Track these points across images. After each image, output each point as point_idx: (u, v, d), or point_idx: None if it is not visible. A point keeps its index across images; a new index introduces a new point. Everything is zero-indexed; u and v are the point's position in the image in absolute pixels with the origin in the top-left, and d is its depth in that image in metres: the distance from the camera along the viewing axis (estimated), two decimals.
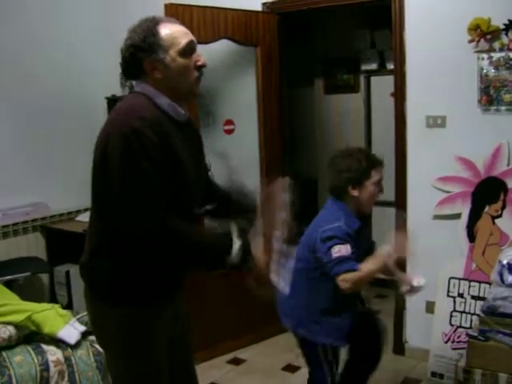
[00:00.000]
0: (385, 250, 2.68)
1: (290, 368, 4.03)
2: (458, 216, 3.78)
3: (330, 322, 2.86)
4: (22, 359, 3.00)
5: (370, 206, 2.91)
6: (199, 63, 2.12)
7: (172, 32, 2.07)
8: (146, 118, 1.97)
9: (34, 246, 4.86)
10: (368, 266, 2.68)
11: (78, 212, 5.06)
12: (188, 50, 2.08)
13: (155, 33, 2.05)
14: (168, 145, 2.00)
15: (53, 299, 4.79)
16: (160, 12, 3.62)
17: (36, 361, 3.01)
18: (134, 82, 2.21)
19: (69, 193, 4.95)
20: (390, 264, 2.66)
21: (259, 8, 4.41)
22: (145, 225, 1.93)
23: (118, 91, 4.99)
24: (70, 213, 5.07)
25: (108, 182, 1.97)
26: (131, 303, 2.13)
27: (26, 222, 4.80)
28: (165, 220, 1.95)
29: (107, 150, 1.96)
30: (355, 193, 2.80)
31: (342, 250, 2.67)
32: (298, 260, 2.81)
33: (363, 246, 2.86)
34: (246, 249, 2.05)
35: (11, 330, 3.09)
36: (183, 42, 2.07)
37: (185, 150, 2.10)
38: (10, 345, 3.07)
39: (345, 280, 2.64)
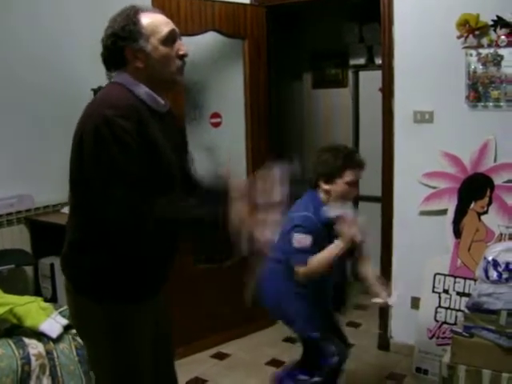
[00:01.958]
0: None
1: (274, 363, 4.01)
2: (444, 212, 3.78)
3: (303, 311, 2.90)
4: (2, 352, 2.96)
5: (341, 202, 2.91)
6: (181, 52, 2.11)
7: (153, 20, 2.07)
8: (119, 106, 1.95)
9: (18, 238, 4.81)
10: (313, 259, 2.74)
11: (63, 204, 5.00)
12: (170, 39, 2.07)
13: (136, 21, 2.04)
14: (145, 134, 1.98)
15: (37, 292, 4.75)
16: (147, 3, 3.58)
17: (17, 354, 2.98)
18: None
19: (54, 185, 4.89)
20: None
21: (247, 0, 4.39)
22: (121, 213, 1.91)
23: (104, 83, 4.90)
24: (55, 205, 5.02)
25: (83, 173, 1.96)
26: (114, 297, 2.11)
27: (10, 213, 4.75)
28: (140, 207, 1.92)
29: (82, 141, 1.96)
30: (326, 187, 2.83)
31: (302, 240, 2.72)
32: (275, 250, 2.85)
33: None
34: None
35: None
36: (165, 30, 2.06)
37: (164, 139, 2.08)
38: None
39: (300, 272, 2.76)
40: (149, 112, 2.06)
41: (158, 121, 2.08)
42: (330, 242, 2.78)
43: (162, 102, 2.14)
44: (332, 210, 2.77)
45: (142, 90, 2.07)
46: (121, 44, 2.04)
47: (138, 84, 2.07)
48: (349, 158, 2.84)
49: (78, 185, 2.04)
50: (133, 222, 1.93)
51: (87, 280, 2.11)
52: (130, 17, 2.04)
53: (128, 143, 1.92)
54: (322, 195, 2.87)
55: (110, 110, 1.93)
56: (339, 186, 2.81)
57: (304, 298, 2.88)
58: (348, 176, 2.81)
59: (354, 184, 2.85)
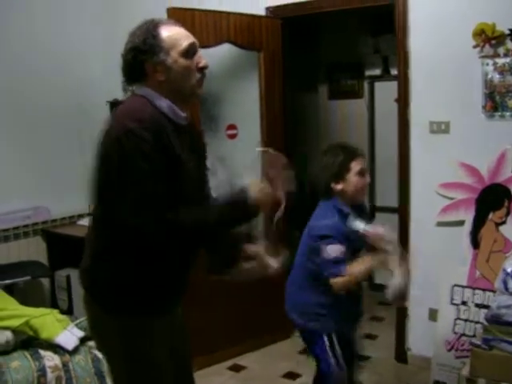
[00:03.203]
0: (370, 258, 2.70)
1: (291, 375, 3.99)
2: (461, 223, 3.74)
3: (334, 312, 2.84)
4: (19, 365, 2.97)
5: (361, 195, 2.89)
6: (201, 65, 2.11)
7: (173, 34, 2.07)
8: (143, 119, 1.96)
9: (34, 250, 4.84)
10: (355, 269, 2.68)
11: (80, 216, 5.05)
12: (190, 52, 2.08)
13: (155, 34, 2.05)
14: (166, 146, 1.98)
15: (53, 304, 4.77)
16: (162, 16, 3.60)
17: (33, 366, 2.99)
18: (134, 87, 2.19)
19: (70, 197, 4.94)
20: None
21: (262, 12, 4.39)
22: (143, 223, 1.91)
23: (119, 95, 4.92)
24: (71, 217, 5.05)
25: (106, 184, 1.97)
26: (132, 310, 2.11)
27: (26, 225, 4.79)
28: (162, 217, 1.93)
29: (105, 153, 1.97)
30: (339, 187, 2.79)
31: (334, 251, 2.66)
32: (301, 255, 2.89)
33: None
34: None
35: (8, 335, 3.08)
36: (185, 43, 2.07)
37: (185, 152, 2.08)
38: (7, 350, 3.06)
39: (335, 284, 2.68)
40: (170, 125, 2.06)
41: (179, 133, 2.08)
42: (354, 237, 2.75)
43: (183, 114, 2.14)
44: (360, 225, 2.73)
45: (164, 103, 2.07)
46: (141, 58, 2.05)
47: (159, 97, 2.07)
48: (348, 151, 2.84)
49: (100, 196, 2.04)
50: (152, 232, 1.93)
51: (106, 292, 2.11)
52: (150, 30, 2.05)
53: (150, 155, 1.92)
54: (338, 198, 2.82)
55: (134, 122, 1.93)
56: (351, 180, 2.79)
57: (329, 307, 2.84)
58: (355, 167, 2.79)
59: (364, 173, 2.83)
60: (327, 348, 2.85)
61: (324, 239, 2.69)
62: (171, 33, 2.07)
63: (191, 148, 2.16)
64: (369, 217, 3.10)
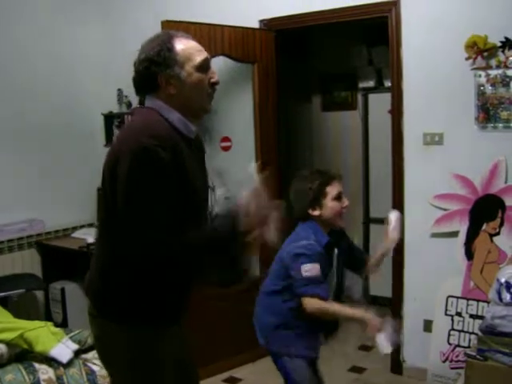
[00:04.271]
0: (367, 319, 2.60)
1: None
2: (455, 234, 3.76)
3: (292, 334, 2.83)
4: (13, 378, 2.96)
5: (338, 220, 2.82)
6: (213, 80, 2.11)
7: (187, 47, 2.07)
8: (158, 135, 1.94)
9: (29, 262, 4.83)
10: (344, 311, 2.66)
11: (74, 229, 5.04)
12: (204, 66, 2.08)
13: (170, 47, 2.03)
14: (178, 162, 1.98)
15: (48, 317, 4.75)
16: (157, 29, 3.61)
17: (27, 380, 2.98)
18: (144, 97, 2.18)
19: (65, 209, 4.94)
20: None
21: (256, 25, 4.42)
22: (152, 240, 1.91)
23: (115, 108, 4.99)
24: (65, 229, 5.04)
25: (117, 198, 1.95)
26: (139, 322, 2.10)
27: (21, 238, 4.78)
28: (171, 236, 1.92)
29: (117, 167, 1.95)
30: (316, 213, 2.76)
31: (312, 269, 2.64)
32: (272, 275, 2.87)
33: (339, 261, 2.85)
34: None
35: (2, 348, 3.07)
36: (199, 58, 2.06)
37: (194, 166, 2.08)
38: (1, 363, 3.05)
39: (311, 304, 2.64)
40: (181, 138, 2.06)
41: (188, 147, 2.08)
42: (330, 264, 2.77)
43: (193, 128, 2.13)
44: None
45: (175, 117, 2.07)
46: (154, 69, 2.03)
47: (171, 110, 2.06)
48: (322, 176, 2.80)
49: (111, 210, 2.02)
50: (160, 249, 1.93)
51: (114, 304, 2.10)
52: (165, 42, 2.04)
53: (164, 172, 1.92)
54: (316, 222, 2.79)
55: (149, 138, 1.91)
56: (328, 204, 2.75)
57: (299, 328, 2.81)
58: (331, 192, 2.76)
59: (340, 197, 2.79)
60: (289, 368, 2.87)
61: (299, 257, 2.68)
62: (186, 46, 2.06)
63: (198, 161, 2.17)
64: (349, 242, 3.04)
